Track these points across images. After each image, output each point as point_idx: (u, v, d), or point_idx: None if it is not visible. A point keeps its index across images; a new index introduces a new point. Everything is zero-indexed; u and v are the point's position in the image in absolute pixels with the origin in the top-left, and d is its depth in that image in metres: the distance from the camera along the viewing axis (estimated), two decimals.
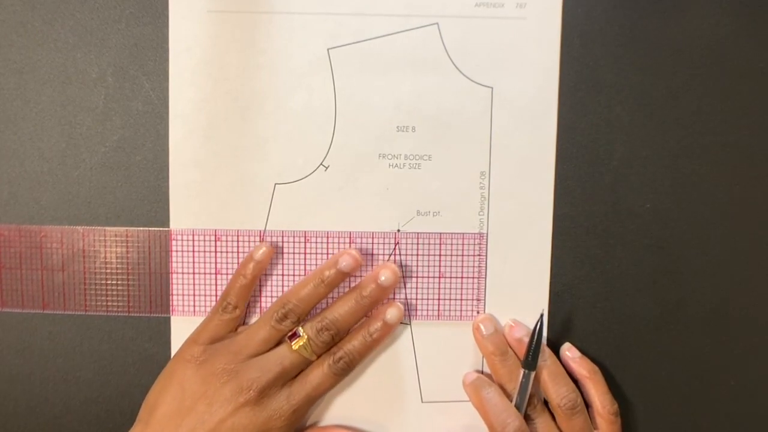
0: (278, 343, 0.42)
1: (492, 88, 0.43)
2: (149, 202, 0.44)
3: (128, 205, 0.44)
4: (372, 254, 0.44)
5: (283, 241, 0.44)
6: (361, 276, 0.43)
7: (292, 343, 0.41)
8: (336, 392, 0.44)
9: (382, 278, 0.42)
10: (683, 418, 0.45)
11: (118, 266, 0.44)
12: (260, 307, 0.44)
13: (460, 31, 0.43)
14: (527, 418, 0.42)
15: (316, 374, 0.41)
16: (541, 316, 0.42)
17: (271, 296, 0.44)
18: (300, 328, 0.41)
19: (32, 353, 0.45)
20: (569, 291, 0.44)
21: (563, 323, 0.44)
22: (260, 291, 0.44)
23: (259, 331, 0.42)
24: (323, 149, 0.44)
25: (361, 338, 0.42)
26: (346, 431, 0.43)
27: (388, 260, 0.44)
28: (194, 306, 0.44)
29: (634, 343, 0.45)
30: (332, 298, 0.43)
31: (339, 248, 0.44)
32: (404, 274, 0.44)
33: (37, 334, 0.45)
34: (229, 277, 0.44)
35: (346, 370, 0.42)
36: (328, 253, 0.44)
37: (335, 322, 0.41)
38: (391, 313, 0.43)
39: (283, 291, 0.44)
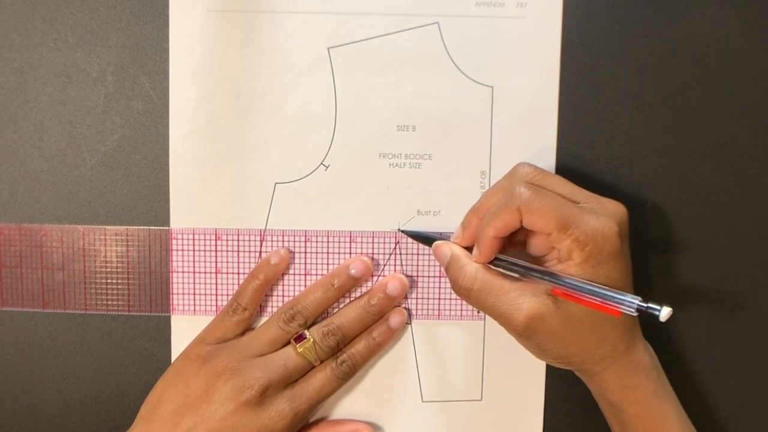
0: (284, 346, 0.42)
1: (492, 87, 0.43)
2: (149, 201, 0.44)
3: (128, 204, 0.44)
4: (372, 253, 0.44)
5: (283, 241, 0.44)
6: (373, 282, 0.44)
7: (298, 346, 0.41)
8: (337, 391, 0.43)
9: (390, 288, 0.42)
10: None
11: (118, 265, 0.44)
12: (260, 306, 0.44)
13: (460, 31, 0.43)
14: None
15: (319, 377, 0.41)
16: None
17: (271, 295, 0.44)
18: (306, 331, 0.42)
19: (32, 352, 0.45)
20: None
21: None
22: None
23: (267, 331, 0.42)
24: (323, 149, 0.44)
25: (365, 342, 0.42)
26: (358, 424, 0.44)
27: (388, 259, 0.44)
28: (194, 305, 0.44)
29: None
30: (337, 307, 0.43)
31: (339, 247, 0.44)
32: (404, 273, 0.44)
33: (37, 333, 0.45)
34: (230, 276, 0.44)
35: (348, 374, 0.42)
36: (328, 253, 0.44)
37: (341, 328, 0.42)
38: (395, 318, 0.43)
39: (283, 290, 0.44)
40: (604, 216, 0.37)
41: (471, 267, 0.39)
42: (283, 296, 0.44)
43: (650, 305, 0.35)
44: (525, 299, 0.37)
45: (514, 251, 0.40)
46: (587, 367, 0.39)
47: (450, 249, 0.41)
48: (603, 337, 0.38)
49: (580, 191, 0.39)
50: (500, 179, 0.41)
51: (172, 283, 0.44)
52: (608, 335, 0.38)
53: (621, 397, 0.39)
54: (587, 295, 0.36)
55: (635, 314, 0.36)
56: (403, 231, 0.44)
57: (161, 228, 0.44)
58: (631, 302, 0.36)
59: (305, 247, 0.44)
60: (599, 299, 0.36)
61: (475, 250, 0.40)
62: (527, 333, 0.37)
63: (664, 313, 0.35)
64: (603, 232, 0.37)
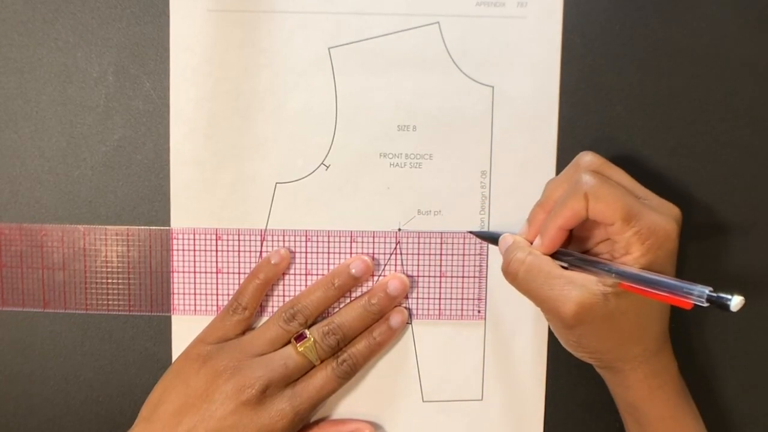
0: (285, 345, 0.42)
1: (493, 87, 0.43)
2: (150, 200, 0.44)
3: (129, 203, 0.44)
4: (373, 253, 0.44)
5: (284, 241, 0.44)
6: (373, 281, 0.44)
7: (298, 345, 0.41)
8: (338, 391, 0.43)
9: (391, 288, 0.42)
10: None
11: (118, 265, 0.44)
12: (261, 306, 0.44)
13: (461, 31, 0.43)
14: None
15: (320, 376, 0.41)
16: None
17: (272, 295, 0.44)
18: (307, 331, 0.42)
19: (33, 352, 0.45)
20: None
21: None
22: None
23: (267, 331, 0.42)
24: (324, 148, 0.44)
25: (366, 341, 0.42)
26: (359, 423, 0.44)
27: (389, 259, 0.44)
28: (195, 305, 0.44)
29: None
30: (337, 306, 0.43)
31: (340, 247, 0.44)
32: (405, 273, 0.44)
33: (37, 333, 0.45)
34: (230, 276, 0.44)
35: (349, 373, 0.42)
36: (329, 253, 0.44)
37: (342, 327, 0.42)
38: (396, 317, 0.43)
39: (283, 290, 0.44)
40: (665, 214, 0.37)
41: (523, 252, 0.39)
42: (283, 296, 0.44)
43: (721, 294, 0.34)
44: (574, 288, 0.37)
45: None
46: (616, 365, 0.39)
47: (513, 238, 0.41)
48: (640, 335, 0.38)
49: (640, 187, 0.39)
50: (564, 170, 0.40)
51: (173, 283, 0.44)
52: (645, 334, 0.38)
53: (644, 396, 0.39)
54: (655, 287, 0.35)
55: (706, 304, 0.34)
56: (471, 232, 0.44)
57: (162, 228, 0.44)
58: (702, 291, 0.34)
59: (306, 246, 0.44)
60: (667, 290, 0.35)
61: (537, 240, 0.40)
62: (574, 323, 0.37)
63: (735, 302, 0.33)
64: (665, 229, 0.36)
